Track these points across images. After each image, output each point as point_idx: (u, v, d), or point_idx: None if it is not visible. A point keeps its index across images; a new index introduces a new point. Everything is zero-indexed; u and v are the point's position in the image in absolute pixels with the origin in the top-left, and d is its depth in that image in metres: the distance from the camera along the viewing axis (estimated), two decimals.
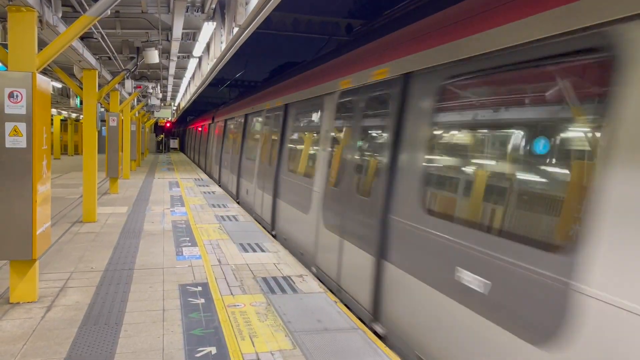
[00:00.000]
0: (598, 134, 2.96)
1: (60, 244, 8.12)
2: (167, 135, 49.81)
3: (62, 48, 5.43)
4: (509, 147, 3.78)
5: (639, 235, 2.62)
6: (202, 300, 5.59)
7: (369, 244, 5.53)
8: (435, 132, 4.68)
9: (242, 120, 14.59)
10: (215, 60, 10.87)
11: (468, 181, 4.17)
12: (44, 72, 12.73)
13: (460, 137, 4.45)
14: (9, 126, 5.02)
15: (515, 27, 3.62)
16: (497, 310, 3.50)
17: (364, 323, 5.44)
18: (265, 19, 7.23)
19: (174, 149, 50.47)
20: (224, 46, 9.21)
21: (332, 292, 6.41)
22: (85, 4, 7.01)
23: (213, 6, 7.76)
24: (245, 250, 7.99)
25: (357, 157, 6.18)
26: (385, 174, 5.28)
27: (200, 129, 30.92)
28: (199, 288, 6.02)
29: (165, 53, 11.16)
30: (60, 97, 21.56)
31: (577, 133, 3.25)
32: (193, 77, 17.72)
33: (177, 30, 8.13)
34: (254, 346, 4.46)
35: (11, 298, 5.33)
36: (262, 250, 8.03)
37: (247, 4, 7.36)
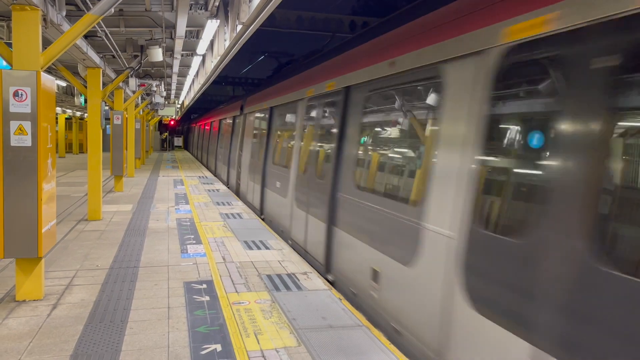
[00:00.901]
0: None
1: (66, 242, 8.16)
2: (171, 133, 49.85)
3: (66, 47, 5.44)
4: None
5: None
6: (207, 298, 5.60)
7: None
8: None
9: (231, 121, 17.28)
10: (219, 57, 10.87)
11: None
12: (49, 70, 12.76)
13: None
14: (14, 125, 5.04)
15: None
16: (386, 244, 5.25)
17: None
18: (269, 16, 7.22)
19: (178, 146, 50.52)
20: (227, 44, 9.21)
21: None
22: (89, 3, 7.02)
23: (217, 4, 7.75)
24: (250, 248, 8.00)
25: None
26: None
27: (202, 127, 31.94)
28: (204, 285, 6.04)
29: (169, 51, 11.16)
30: (65, 96, 21.61)
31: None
32: (197, 74, 17.72)
33: (181, 28, 8.13)
34: (258, 343, 4.47)
35: (17, 296, 5.36)
36: (267, 248, 8.04)
37: (250, 1, 7.35)
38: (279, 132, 10.39)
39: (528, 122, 3.55)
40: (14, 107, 5.04)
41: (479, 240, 3.72)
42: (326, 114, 7.49)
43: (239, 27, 7.59)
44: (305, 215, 7.98)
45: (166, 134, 47.92)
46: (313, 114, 8.13)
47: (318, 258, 7.34)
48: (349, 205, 6.30)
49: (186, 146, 51.04)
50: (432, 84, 4.68)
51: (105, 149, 24.43)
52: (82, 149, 37.64)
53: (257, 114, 12.79)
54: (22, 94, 5.04)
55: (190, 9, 8.02)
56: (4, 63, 8.50)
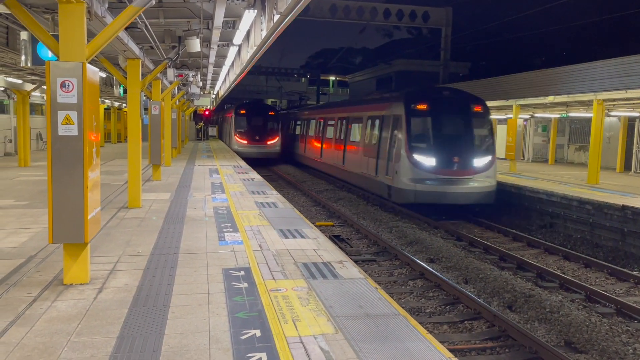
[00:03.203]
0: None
1: (108, 228, 8.41)
2: (206, 123, 50.44)
3: (110, 38, 5.59)
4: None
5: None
6: (245, 285, 5.71)
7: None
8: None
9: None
10: (255, 48, 10.94)
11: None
12: (91, 62, 13.07)
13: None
14: (61, 115, 5.21)
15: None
16: None
17: None
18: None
19: (213, 136, 51.12)
20: (264, 34, 9.26)
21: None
22: None
23: None
24: (285, 236, 8.09)
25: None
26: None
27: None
28: (242, 272, 6.15)
29: (206, 41, 11.29)
30: (104, 86, 22.11)
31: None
32: (232, 65, 17.88)
33: (219, 19, 8.21)
34: (297, 330, 4.54)
35: (65, 280, 5.58)
36: (302, 237, 8.12)
37: None
38: None
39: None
40: (61, 97, 5.22)
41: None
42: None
43: (276, 17, 7.63)
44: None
45: (201, 123, 48.51)
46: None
47: None
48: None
49: (220, 136, 51.68)
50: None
51: (143, 138, 24.93)
52: (120, 139, 38.50)
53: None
54: (68, 85, 5.21)
55: None
56: (50, 55, 8.77)
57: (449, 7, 31.47)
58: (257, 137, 29.37)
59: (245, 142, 29.27)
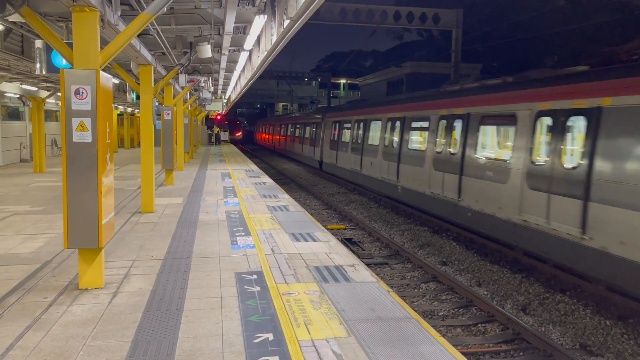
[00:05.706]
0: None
1: (122, 233, 8.49)
2: (218, 127, 50.69)
3: (123, 45, 5.66)
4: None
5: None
6: (258, 288, 5.74)
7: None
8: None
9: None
10: (265, 52, 11.01)
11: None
12: (104, 68, 13.19)
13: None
14: (75, 122, 5.30)
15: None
16: None
17: None
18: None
19: (225, 140, 51.41)
20: (274, 38, 9.32)
21: None
22: (142, 2, 7.25)
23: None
24: (297, 240, 8.12)
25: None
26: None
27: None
28: (254, 276, 6.19)
29: (217, 47, 11.38)
30: (117, 92, 22.33)
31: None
32: (243, 70, 17.98)
33: (229, 25, 8.27)
34: (309, 333, 4.56)
35: (80, 284, 5.65)
36: (314, 240, 8.14)
37: None
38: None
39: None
40: (75, 104, 5.30)
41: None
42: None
43: (286, 22, 7.67)
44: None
45: (218, 128, 48.80)
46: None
47: None
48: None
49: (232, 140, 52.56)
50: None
51: (156, 143, 25.10)
52: (133, 144, 38.83)
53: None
54: (82, 92, 5.29)
55: (238, 5, 8.16)
56: (64, 62, 8.89)
57: (459, 9, 31.36)
58: (233, 132, 61.35)
59: (228, 133, 55.59)
